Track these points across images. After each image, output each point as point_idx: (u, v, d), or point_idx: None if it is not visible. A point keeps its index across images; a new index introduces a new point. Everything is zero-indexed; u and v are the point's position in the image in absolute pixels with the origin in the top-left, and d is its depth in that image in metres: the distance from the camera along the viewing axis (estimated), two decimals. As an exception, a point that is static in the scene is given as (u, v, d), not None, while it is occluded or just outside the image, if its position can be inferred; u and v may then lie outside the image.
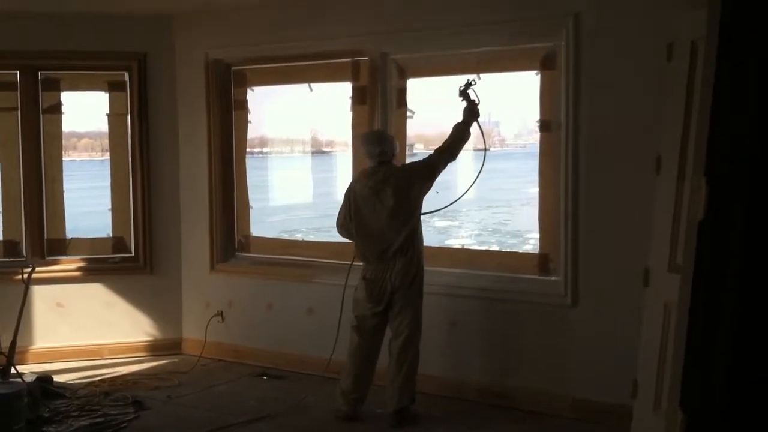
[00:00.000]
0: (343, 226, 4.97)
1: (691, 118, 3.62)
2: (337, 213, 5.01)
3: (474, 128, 4.98)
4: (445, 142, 4.93)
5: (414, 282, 4.80)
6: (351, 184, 4.98)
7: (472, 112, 4.95)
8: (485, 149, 5.15)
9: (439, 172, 4.88)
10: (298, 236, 5.68)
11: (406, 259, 4.75)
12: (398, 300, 4.78)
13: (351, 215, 4.86)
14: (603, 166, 4.72)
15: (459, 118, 4.96)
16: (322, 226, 5.91)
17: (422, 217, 4.88)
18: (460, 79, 4.99)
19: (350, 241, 5.02)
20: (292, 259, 6.10)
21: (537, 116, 5.10)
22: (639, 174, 4.45)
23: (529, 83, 5.13)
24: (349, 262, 5.08)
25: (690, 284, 2.01)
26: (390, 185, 4.74)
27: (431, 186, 4.87)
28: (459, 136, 4.93)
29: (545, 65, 5.02)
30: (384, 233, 4.75)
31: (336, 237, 5.22)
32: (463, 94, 4.95)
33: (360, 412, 4.90)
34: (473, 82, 4.94)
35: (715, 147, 1.99)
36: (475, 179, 5.10)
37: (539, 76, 5.07)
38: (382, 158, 4.83)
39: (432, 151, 4.94)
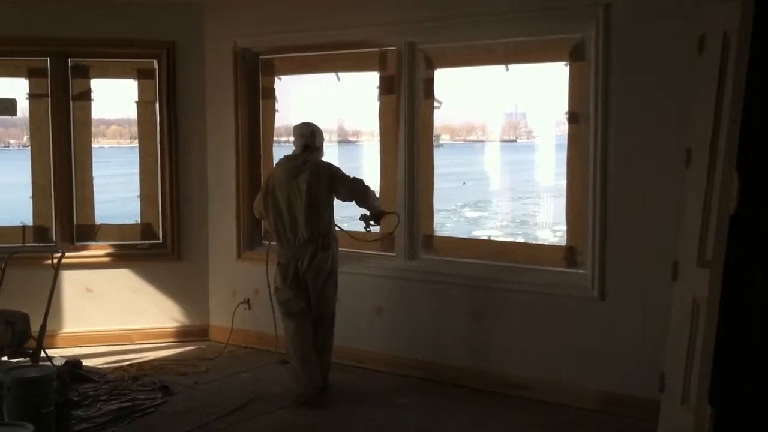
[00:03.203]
0: (258, 211, 5.20)
1: (722, 111, 3.57)
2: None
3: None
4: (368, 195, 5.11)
5: (330, 279, 5.02)
6: (272, 169, 5.16)
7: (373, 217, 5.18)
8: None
9: (350, 195, 5.00)
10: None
11: (323, 254, 4.95)
12: (315, 294, 4.99)
13: (266, 199, 5.02)
14: (632, 159, 4.68)
15: (487, 109, 5.02)
16: (347, 216, 5.91)
17: (454, 208, 4.93)
18: (489, 69, 5.00)
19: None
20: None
21: (565, 108, 5.07)
22: (669, 167, 4.41)
23: (557, 74, 5.10)
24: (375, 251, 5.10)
25: (721, 279, 1.99)
26: (305, 173, 4.91)
27: (343, 196, 5.01)
28: (372, 204, 5.10)
29: (574, 56, 4.98)
30: (293, 219, 4.93)
31: (360, 226, 5.24)
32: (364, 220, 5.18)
33: (323, 392, 5.04)
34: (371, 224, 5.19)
35: (748, 140, 1.96)
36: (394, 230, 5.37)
37: (568, 67, 5.03)
38: (308, 142, 5.01)
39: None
